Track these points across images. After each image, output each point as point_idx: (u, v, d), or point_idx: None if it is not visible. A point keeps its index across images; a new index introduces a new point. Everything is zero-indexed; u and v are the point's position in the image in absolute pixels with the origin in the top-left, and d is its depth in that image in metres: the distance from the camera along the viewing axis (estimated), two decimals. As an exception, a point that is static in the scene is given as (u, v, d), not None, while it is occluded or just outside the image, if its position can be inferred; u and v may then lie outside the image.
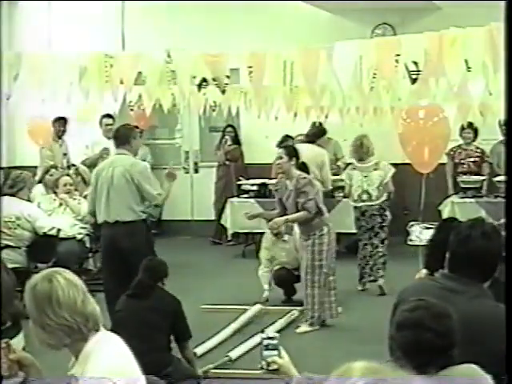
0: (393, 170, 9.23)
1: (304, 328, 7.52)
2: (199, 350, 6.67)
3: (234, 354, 6.60)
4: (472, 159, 11.11)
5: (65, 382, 2.94)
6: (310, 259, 7.47)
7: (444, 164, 9.25)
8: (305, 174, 7.66)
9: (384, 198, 9.17)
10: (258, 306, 8.16)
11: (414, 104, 7.69)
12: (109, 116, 11.13)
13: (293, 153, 7.68)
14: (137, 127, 12.69)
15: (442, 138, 7.50)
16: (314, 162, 10.66)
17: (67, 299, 2.90)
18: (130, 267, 6.35)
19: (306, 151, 10.79)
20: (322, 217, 7.52)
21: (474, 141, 11.17)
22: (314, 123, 10.64)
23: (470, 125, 10.74)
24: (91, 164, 10.80)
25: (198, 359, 6.42)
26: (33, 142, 11.49)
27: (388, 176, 9.17)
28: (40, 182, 9.76)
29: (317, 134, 10.68)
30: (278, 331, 6.79)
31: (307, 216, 7.45)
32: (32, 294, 2.93)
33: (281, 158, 7.61)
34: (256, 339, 6.50)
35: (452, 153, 11.17)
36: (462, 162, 11.12)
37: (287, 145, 7.95)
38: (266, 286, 8.54)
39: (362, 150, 9.23)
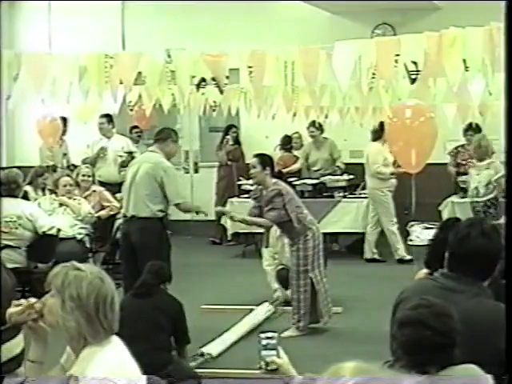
0: (503, 171, 9.08)
1: (290, 333, 7.23)
2: (214, 351, 6.65)
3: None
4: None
5: (64, 381, 2.93)
6: (295, 264, 7.32)
7: (434, 164, 9.23)
8: (278, 183, 7.35)
9: (492, 195, 9.35)
10: (267, 306, 8.04)
11: (401, 103, 7.63)
12: (104, 116, 11.13)
13: (267, 161, 7.32)
14: (137, 127, 12.85)
15: (428, 138, 7.44)
16: (366, 159, 10.86)
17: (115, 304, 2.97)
18: (140, 262, 6.45)
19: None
20: (305, 221, 7.29)
21: (477, 141, 11.17)
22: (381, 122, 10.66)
23: (473, 126, 10.72)
24: (91, 163, 10.84)
25: (214, 360, 6.55)
26: (43, 141, 11.63)
27: (498, 174, 9.24)
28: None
29: (378, 131, 10.78)
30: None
31: (267, 224, 7.40)
32: (97, 284, 2.92)
33: (254, 167, 7.27)
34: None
35: (453, 153, 11.19)
36: (463, 162, 11.12)
37: (261, 153, 7.55)
38: (275, 285, 8.26)
39: (480, 150, 9.59)
